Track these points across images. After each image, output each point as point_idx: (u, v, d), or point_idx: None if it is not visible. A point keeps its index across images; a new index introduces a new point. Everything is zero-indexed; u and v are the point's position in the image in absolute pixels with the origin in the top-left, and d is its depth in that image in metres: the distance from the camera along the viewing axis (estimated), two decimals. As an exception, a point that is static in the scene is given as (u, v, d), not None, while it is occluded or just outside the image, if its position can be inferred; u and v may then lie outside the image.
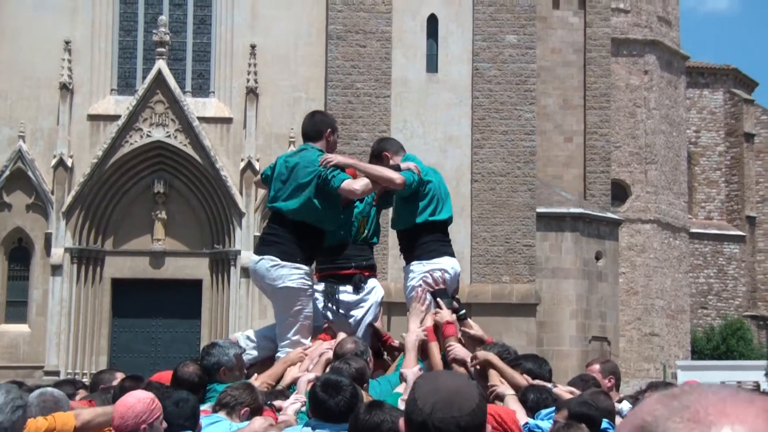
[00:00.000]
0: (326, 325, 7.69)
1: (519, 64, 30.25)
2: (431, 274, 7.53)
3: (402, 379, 6.53)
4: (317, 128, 7.63)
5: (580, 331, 30.90)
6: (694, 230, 44.42)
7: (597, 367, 8.18)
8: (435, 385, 3.16)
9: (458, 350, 6.88)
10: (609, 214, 32.96)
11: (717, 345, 43.45)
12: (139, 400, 5.23)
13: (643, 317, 39.05)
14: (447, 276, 7.62)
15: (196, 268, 29.99)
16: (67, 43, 29.55)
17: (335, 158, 7.37)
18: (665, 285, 40.24)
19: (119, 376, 8.30)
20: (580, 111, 34.59)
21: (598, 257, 31.59)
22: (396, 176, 7.44)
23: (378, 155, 7.89)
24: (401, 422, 3.27)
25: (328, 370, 6.53)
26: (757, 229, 47.29)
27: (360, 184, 7.25)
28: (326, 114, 7.92)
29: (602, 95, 34.91)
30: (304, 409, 5.72)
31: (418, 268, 7.65)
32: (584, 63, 34.80)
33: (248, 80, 29.86)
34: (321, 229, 7.49)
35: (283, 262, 7.32)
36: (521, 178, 29.87)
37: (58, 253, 28.92)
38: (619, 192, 39.26)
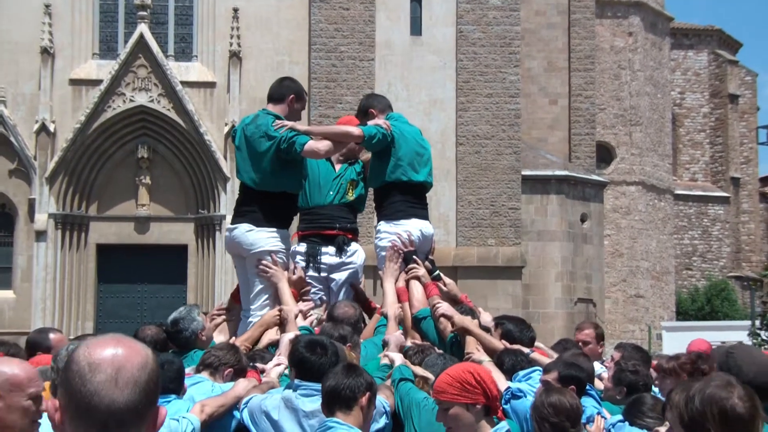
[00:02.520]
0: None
1: (503, 26, 30.09)
2: (399, 237, 7.49)
3: (385, 344, 6.55)
4: (281, 92, 7.51)
5: (565, 293, 30.99)
6: (678, 192, 44.55)
7: (592, 332, 8.13)
8: (755, 358, 4.52)
9: (445, 307, 6.89)
10: (594, 177, 32.97)
11: (702, 306, 43.70)
12: None
13: (628, 279, 39.20)
14: (414, 237, 7.55)
15: (182, 233, 29.90)
16: (47, 6, 29.25)
17: (288, 123, 7.27)
18: (650, 246, 40.37)
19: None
20: (565, 73, 34.48)
21: (583, 219, 31.63)
22: (353, 129, 7.39)
23: (365, 111, 7.82)
24: None
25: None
26: (741, 190, 47.43)
27: (323, 144, 7.19)
28: (296, 81, 7.81)
29: (587, 57, 34.80)
30: (287, 372, 5.71)
31: (385, 228, 7.61)
32: (568, 25, 34.64)
33: (231, 44, 29.65)
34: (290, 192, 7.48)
35: (259, 228, 7.31)
36: (506, 140, 29.80)
37: (41, 219, 28.78)
38: (604, 154, 39.28)
